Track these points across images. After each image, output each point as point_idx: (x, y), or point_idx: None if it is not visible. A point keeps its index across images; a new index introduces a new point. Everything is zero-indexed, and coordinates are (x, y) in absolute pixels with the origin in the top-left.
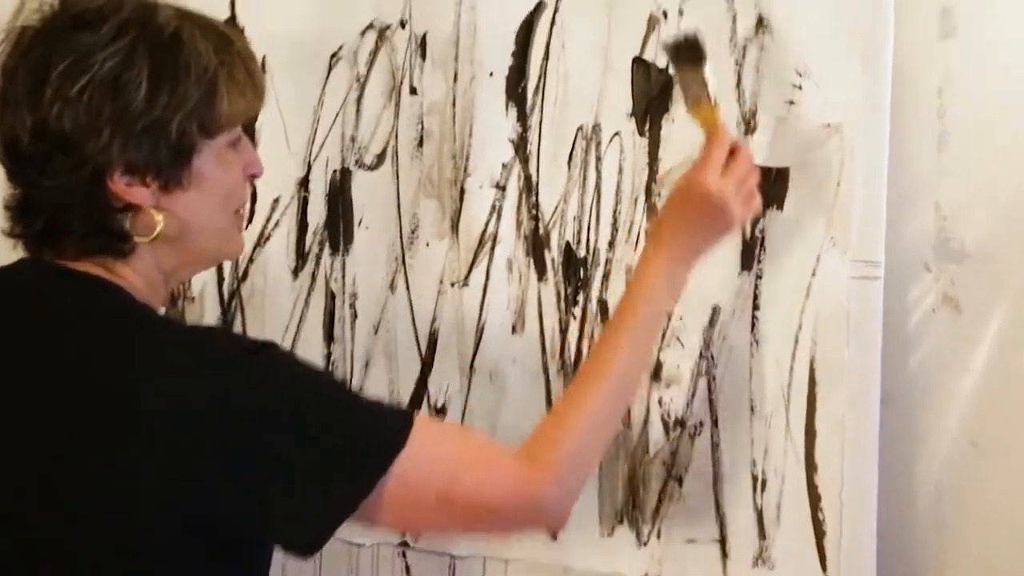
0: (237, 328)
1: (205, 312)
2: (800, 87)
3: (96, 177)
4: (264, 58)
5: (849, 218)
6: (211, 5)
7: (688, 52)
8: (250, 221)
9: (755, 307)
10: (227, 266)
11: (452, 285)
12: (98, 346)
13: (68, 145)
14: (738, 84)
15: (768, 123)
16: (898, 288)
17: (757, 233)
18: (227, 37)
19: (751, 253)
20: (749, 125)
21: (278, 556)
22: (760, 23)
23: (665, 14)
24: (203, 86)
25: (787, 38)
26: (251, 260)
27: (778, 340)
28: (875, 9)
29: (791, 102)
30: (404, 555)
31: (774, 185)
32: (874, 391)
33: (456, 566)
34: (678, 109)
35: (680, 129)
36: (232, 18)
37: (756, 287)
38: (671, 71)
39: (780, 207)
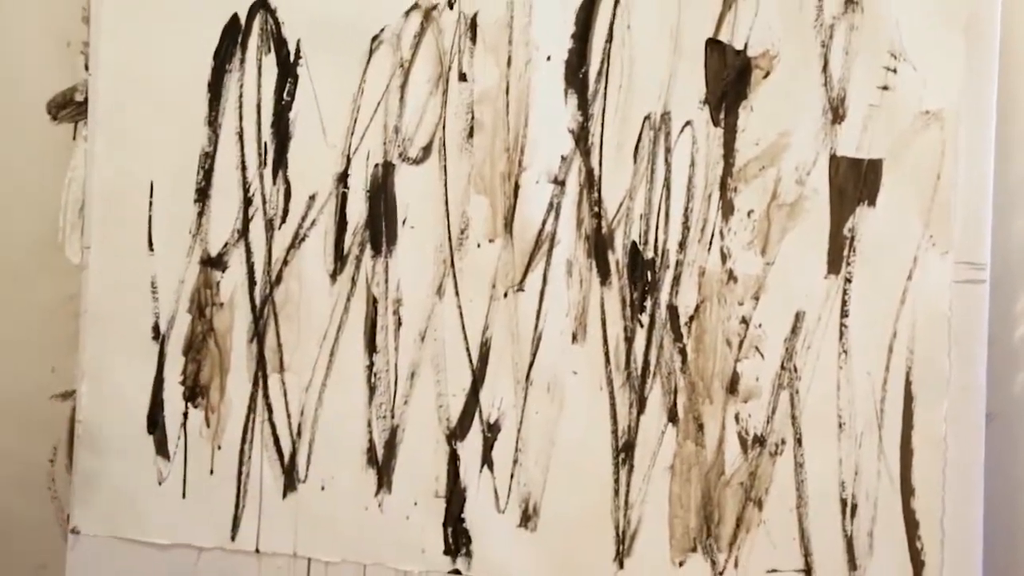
0: (271, 337)
1: (235, 320)
2: (895, 71)
3: None
4: (299, 42)
5: (951, 215)
6: None
7: None
8: (284, 220)
9: (844, 314)
10: (259, 269)
11: (506, 290)
12: None
13: None
14: (824, 68)
15: (859, 111)
16: (1005, 294)
17: (846, 232)
18: None
19: (839, 254)
20: (837, 113)
21: None
22: (849, 0)
23: None
24: None
25: (880, 16)
26: (285, 263)
27: (870, 350)
28: None
29: (885, 87)
30: None
31: (866, 179)
32: (979, 407)
33: None
34: (757, 96)
35: (759, 118)
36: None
37: (845, 292)
38: (748, 53)
39: (872, 203)
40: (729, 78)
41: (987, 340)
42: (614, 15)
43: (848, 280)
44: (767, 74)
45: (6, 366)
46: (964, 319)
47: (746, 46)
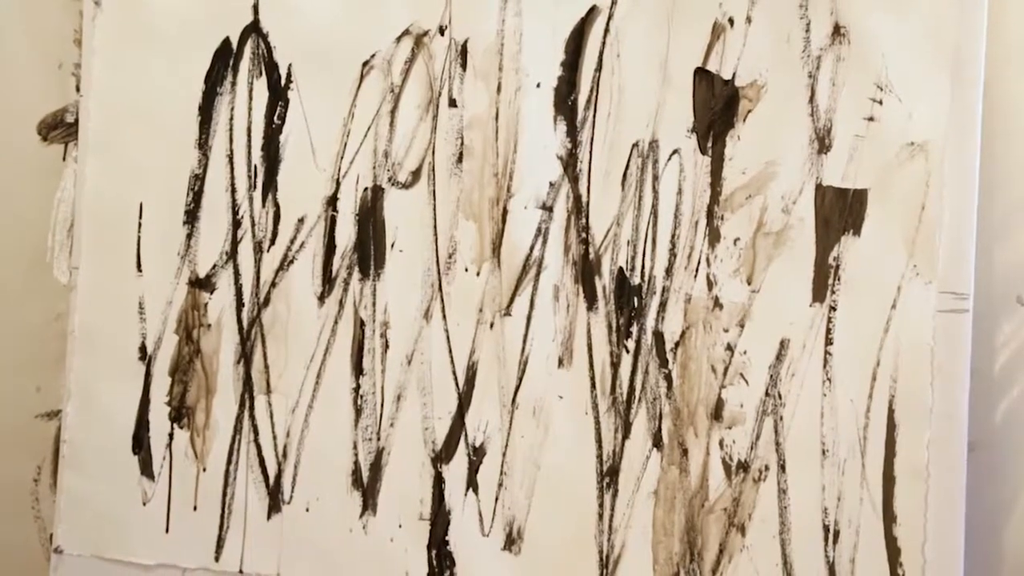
0: (258, 359)
1: (222, 341)
2: (881, 102)
3: None
4: (290, 66)
5: (935, 245)
6: (233, 9)
7: None
8: (273, 242)
9: (828, 342)
10: (247, 291)
11: (493, 315)
12: None
13: None
14: (811, 99)
15: (845, 141)
16: (987, 324)
17: (831, 261)
18: None
19: (824, 283)
20: (823, 143)
21: None
22: (837, 31)
23: (732, 21)
24: None
25: (867, 48)
26: (274, 284)
27: (854, 378)
28: (966, 17)
29: (871, 118)
30: None
31: (851, 209)
32: (961, 435)
33: None
34: (744, 125)
35: (746, 147)
36: (255, 23)
37: (830, 320)
38: (736, 83)
39: (857, 233)
40: (717, 107)
41: (970, 370)
42: (603, 44)
43: (833, 308)
44: (754, 104)
45: None
46: (947, 348)
47: (734, 76)
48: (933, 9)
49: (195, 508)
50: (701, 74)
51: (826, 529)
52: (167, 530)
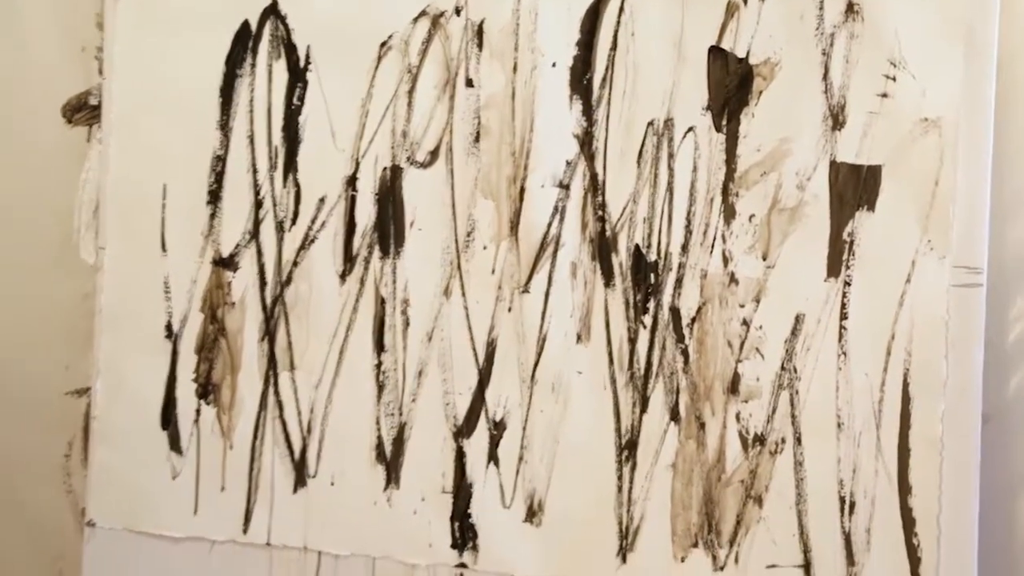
0: (281, 336)
1: (246, 319)
2: (894, 79)
3: None
4: (308, 48)
5: (949, 220)
6: None
7: None
8: (294, 222)
9: (843, 316)
10: (270, 270)
11: (511, 292)
12: None
13: None
14: (825, 76)
15: (858, 118)
16: (1000, 298)
17: (846, 236)
18: None
19: (839, 258)
20: (837, 120)
21: None
22: (850, 8)
23: (745, 0)
24: None
25: (880, 25)
26: (295, 264)
27: (868, 352)
28: None
29: (884, 95)
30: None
31: (865, 185)
32: (975, 408)
33: None
34: (758, 103)
35: (761, 124)
36: (274, 5)
37: (844, 295)
38: (750, 61)
39: (871, 208)
40: (731, 85)
41: (983, 343)
42: (618, 23)
43: (847, 283)
44: (768, 82)
45: (22, 363)
46: (961, 322)
47: (748, 54)
48: None
49: (223, 482)
50: (715, 52)
51: (842, 500)
52: (196, 504)
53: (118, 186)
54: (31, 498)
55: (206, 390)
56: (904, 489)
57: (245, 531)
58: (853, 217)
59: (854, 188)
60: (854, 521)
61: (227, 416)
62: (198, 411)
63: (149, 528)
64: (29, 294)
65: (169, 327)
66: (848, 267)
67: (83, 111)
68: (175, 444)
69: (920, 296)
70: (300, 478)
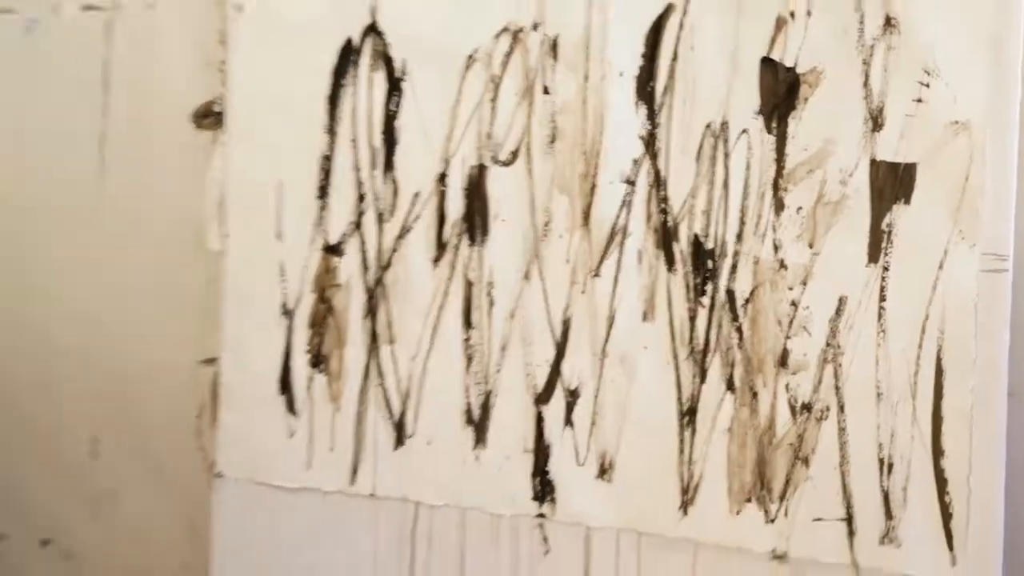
0: (382, 314)
1: (351, 299)
2: (928, 85)
3: None
4: (404, 61)
5: (978, 212)
6: (354, 13)
7: None
8: (392, 214)
9: (882, 298)
10: (371, 256)
11: (584, 276)
12: None
13: None
14: (865, 83)
15: (896, 120)
16: None
17: (884, 227)
18: None
19: (878, 246)
20: (876, 122)
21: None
22: (888, 23)
23: (793, 14)
24: None
25: (915, 38)
26: (394, 251)
27: (905, 330)
28: (1004, 9)
29: (919, 100)
30: (542, 527)
31: (902, 181)
32: (1001, 383)
33: (591, 537)
34: (805, 107)
35: (807, 127)
36: (373, 25)
37: (883, 279)
38: (798, 70)
39: (908, 202)
40: (780, 92)
41: (1009, 324)
42: (679, 37)
43: (886, 269)
44: (814, 88)
45: (160, 338)
46: (989, 305)
47: (796, 64)
48: (974, 1)
49: (332, 441)
50: (766, 62)
51: (881, 462)
52: (309, 459)
53: (239, 183)
54: (168, 454)
55: (317, 360)
56: (937, 453)
57: (352, 483)
58: (891, 209)
59: (892, 183)
60: (892, 480)
61: (336, 383)
62: (310, 379)
63: (268, 480)
64: (165, 279)
65: (285, 306)
66: (886, 254)
67: (209, 117)
68: (291, 407)
69: (952, 281)
70: (399, 438)
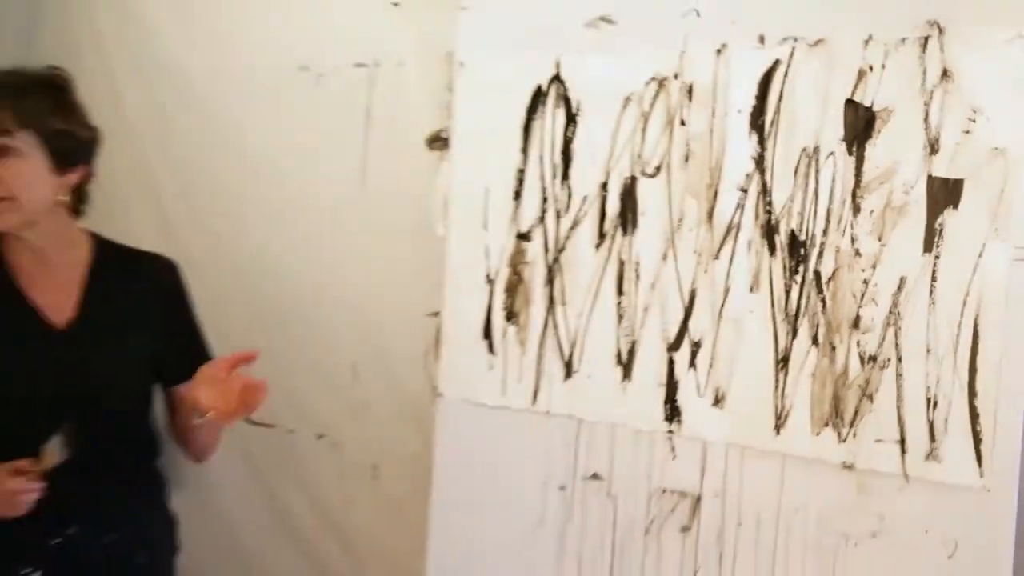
0: (558, 283)
1: (536, 272)
2: (974, 120)
3: None
4: (578, 101)
5: (1010, 216)
6: (542, 67)
7: None
8: (567, 211)
9: (933, 279)
10: (551, 241)
11: (707, 259)
12: None
13: None
14: (925, 118)
15: (948, 146)
16: None
17: (937, 226)
18: None
19: (932, 240)
20: (933, 147)
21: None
22: (944, 74)
23: (871, 67)
24: None
25: (966, 85)
26: (567, 238)
27: (950, 303)
28: None
29: (967, 131)
30: (671, 439)
31: (952, 192)
32: (1023, 343)
33: (707, 448)
34: (879, 137)
35: (880, 151)
36: (557, 75)
37: (935, 264)
38: (874, 109)
39: (956, 207)
40: (860, 126)
41: None
42: (784, 83)
43: (937, 257)
44: (886, 123)
45: (400, 296)
46: (1017, 285)
47: (872, 104)
48: (1012, 59)
49: (520, 374)
50: (849, 103)
51: (927, 400)
52: (503, 386)
53: (458, 188)
54: (406, 379)
55: (510, 316)
56: (971, 394)
57: (533, 404)
58: (942, 213)
59: (944, 194)
60: (936, 414)
61: (523, 332)
62: (505, 329)
63: (474, 398)
64: (404, 255)
65: (488, 276)
66: (938, 246)
67: (438, 142)
68: (491, 349)
69: (988, 268)
70: (568, 372)
